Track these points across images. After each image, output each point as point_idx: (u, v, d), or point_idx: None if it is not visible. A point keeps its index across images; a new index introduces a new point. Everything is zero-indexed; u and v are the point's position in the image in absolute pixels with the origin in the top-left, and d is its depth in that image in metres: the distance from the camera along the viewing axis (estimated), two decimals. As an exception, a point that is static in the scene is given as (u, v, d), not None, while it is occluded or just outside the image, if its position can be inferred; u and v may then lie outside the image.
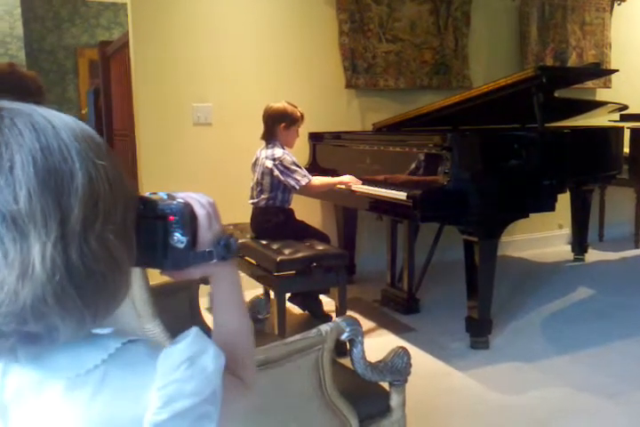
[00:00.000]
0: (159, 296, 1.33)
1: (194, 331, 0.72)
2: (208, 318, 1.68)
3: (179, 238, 0.75)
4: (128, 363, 0.67)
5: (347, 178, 3.43)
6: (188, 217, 0.77)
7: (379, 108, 4.46)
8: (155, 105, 3.85)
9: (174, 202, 0.76)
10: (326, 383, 1.50)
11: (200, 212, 0.80)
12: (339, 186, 3.44)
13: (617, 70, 4.23)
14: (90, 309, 0.64)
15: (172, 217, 0.75)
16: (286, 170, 3.19)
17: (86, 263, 0.62)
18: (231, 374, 0.83)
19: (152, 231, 0.74)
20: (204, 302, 2.22)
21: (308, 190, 3.34)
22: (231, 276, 0.87)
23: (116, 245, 0.65)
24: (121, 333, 0.72)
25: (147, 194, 0.77)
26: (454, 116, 3.81)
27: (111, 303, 0.68)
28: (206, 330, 0.82)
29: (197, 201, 0.80)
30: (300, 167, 3.25)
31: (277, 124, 3.29)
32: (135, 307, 1.31)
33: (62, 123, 0.65)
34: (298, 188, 3.23)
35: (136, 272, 1.26)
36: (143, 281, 1.29)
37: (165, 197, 0.77)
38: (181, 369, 0.67)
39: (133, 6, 3.80)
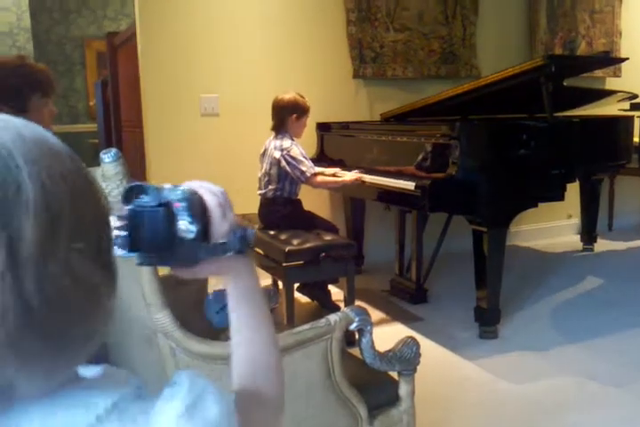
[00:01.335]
0: (167, 287, 1.34)
1: (186, 376, 0.60)
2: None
3: (187, 227, 0.67)
4: (120, 425, 0.55)
5: (350, 177, 3.40)
6: (197, 205, 0.69)
7: (386, 97, 4.44)
8: (162, 96, 3.85)
9: (180, 188, 0.69)
10: (335, 373, 1.51)
11: (211, 201, 0.71)
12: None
13: (627, 59, 4.19)
14: (59, 352, 0.53)
15: (177, 204, 0.67)
16: (293, 160, 3.19)
17: (48, 295, 0.50)
18: (250, 392, 0.74)
19: (154, 221, 0.66)
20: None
21: (312, 184, 3.33)
22: (249, 272, 0.77)
23: (87, 268, 0.53)
24: (109, 376, 0.61)
25: (149, 184, 0.70)
26: (462, 106, 3.79)
27: (90, 341, 0.56)
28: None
29: (207, 189, 0.72)
30: (306, 159, 3.25)
31: (289, 116, 3.28)
32: (144, 297, 1.31)
33: (3, 123, 0.54)
34: (303, 179, 3.23)
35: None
36: (152, 271, 1.29)
37: (167, 187, 0.70)
38: (180, 425, 0.55)
39: (140, -3, 3.80)
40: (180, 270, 0.73)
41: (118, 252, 0.66)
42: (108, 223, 0.59)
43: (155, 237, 0.67)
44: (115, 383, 0.60)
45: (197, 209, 0.69)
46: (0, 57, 2.77)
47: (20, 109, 1.89)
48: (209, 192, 0.72)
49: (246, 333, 0.78)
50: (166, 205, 0.67)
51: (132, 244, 0.66)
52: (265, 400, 0.76)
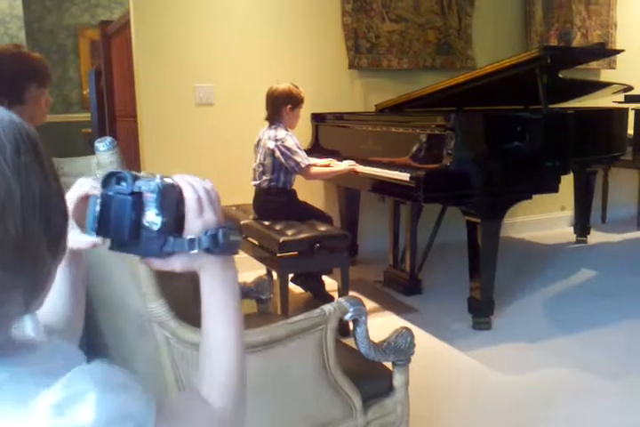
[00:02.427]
0: (163, 277, 1.33)
1: (78, 369, 0.56)
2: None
3: (153, 219, 0.68)
4: (8, 399, 0.54)
5: (345, 167, 3.40)
6: (170, 198, 0.69)
7: (381, 88, 4.43)
8: (156, 85, 3.83)
9: (156, 180, 0.69)
10: (330, 363, 1.51)
11: (189, 195, 0.71)
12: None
13: (622, 50, 4.19)
14: None
15: (148, 194, 0.68)
16: (287, 151, 3.18)
17: None
18: (196, 393, 0.73)
19: (122, 209, 0.67)
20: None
21: (306, 175, 3.32)
22: (220, 274, 0.74)
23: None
24: (46, 350, 0.63)
25: (142, 174, 0.72)
26: (458, 97, 3.78)
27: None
28: None
29: (189, 184, 0.72)
30: (301, 150, 3.24)
31: (283, 106, 3.27)
32: (140, 286, 1.31)
33: None
34: (298, 170, 3.22)
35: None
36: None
37: (157, 177, 0.70)
38: (48, 418, 0.52)
39: (134, -15, 3.76)
40: (148, 261, 0.72)
41: (89, 232, 0.69)
42: (42, 215, 0.57)
43: (120, 223, 0.68)
44: (38, 358, 0.59)
45: (170, 202, 0.70)
46: (-6, 45, 2.74)
47: (17, 100, 1.86)
48: (190, 187, 0.72)
49: (206, 333, 0.77)
50: (137, 195, 0.68)
51: (100, 228, 0.68)
52: (211, 410, 0.73)
